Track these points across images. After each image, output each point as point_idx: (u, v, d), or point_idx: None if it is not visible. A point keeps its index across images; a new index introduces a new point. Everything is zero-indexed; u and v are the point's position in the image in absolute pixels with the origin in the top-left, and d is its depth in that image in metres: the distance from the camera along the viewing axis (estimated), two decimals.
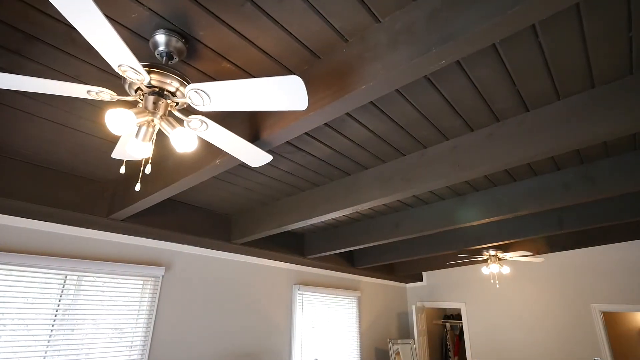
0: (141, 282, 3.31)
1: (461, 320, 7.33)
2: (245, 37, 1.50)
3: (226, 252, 4.09)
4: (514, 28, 1.20)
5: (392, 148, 2.43)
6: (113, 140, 2.25)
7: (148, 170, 1.33)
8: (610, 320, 6.10)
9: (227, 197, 3.29)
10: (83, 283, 2.96)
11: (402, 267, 6.32)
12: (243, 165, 2.66)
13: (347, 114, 2.05)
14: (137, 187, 1.32)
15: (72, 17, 0.98)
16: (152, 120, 1.35)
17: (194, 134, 1.42)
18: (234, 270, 4.14)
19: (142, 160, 2.33)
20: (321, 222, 4.04)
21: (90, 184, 2.79)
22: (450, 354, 7.48)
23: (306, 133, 2.23)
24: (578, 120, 1.91)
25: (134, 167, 2.62)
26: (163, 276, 3.44)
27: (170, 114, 1.81)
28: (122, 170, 1.27)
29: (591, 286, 5.13)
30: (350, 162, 2.62)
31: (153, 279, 3.37)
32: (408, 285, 7.30)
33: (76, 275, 2.92)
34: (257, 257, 4.40)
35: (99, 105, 1.92)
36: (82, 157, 2.46)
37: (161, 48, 1.44)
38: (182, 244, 3.67)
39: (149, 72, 1.30)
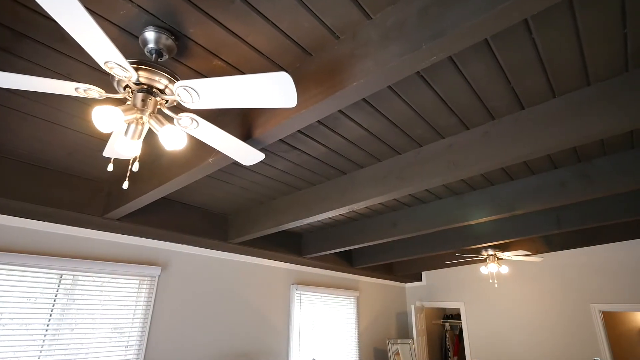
0: (137, 281, 3.30)
1: (461, 320, 7.32)
2: (236, 34, 1.48)
3: (223, 251, 4.08)
4: (506, 23, 1.18)
5: (387, 147, 2.42)
6: (107, 139, 2.25)
7: (136, 168, 1.32)
8: (610, 320, 6.07)
9: (224, 197, 3.28)
10: (79, 283, 2.95)
11: (400, 267, 6.30)
12: (238, 165, 2.65)
13: (342, 112, 2.04)
14: (125, 185, 1.31)
15: (55, 13, 0.97)
16: (141, 118, 1.34)
17: (184, 131, 1.40)
18: (231, 270, 4.13)
19: (134, 158, 2.33)
20: (318, 221, 4.02)
21: (85, 183, 2.78)
22: (450, 354, 7.46)
23: (301, 132, 2.22)
24: (574, 117, 1.89)
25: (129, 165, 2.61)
26: (159, 276, 3.43)
27: (160, 112, 1.80)
28: (110, 168, 1.26)
29: (591, 286, 5.10)
30: (345, 160, 2.61)
31: (149, 278, 3.36)
32: (407, 285, 7.28)
33: (72, 275, 2.92)
34: (254, 256, 4.39)
35: (91, 104, 1.92)
36: (77, 156, 2.45)
37: (150, 45, 1.43)
38: (179, 243, 3.66)
39: (137, 70, 1.29)
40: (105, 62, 1.17)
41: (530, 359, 5.36)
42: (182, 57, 1.59)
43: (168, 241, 3.56)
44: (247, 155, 1.72)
